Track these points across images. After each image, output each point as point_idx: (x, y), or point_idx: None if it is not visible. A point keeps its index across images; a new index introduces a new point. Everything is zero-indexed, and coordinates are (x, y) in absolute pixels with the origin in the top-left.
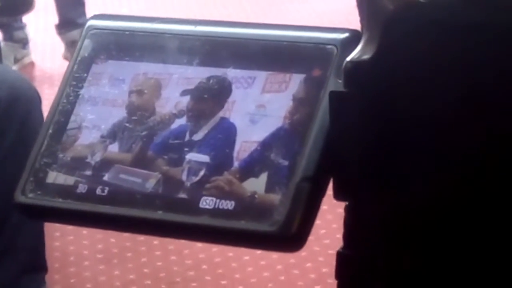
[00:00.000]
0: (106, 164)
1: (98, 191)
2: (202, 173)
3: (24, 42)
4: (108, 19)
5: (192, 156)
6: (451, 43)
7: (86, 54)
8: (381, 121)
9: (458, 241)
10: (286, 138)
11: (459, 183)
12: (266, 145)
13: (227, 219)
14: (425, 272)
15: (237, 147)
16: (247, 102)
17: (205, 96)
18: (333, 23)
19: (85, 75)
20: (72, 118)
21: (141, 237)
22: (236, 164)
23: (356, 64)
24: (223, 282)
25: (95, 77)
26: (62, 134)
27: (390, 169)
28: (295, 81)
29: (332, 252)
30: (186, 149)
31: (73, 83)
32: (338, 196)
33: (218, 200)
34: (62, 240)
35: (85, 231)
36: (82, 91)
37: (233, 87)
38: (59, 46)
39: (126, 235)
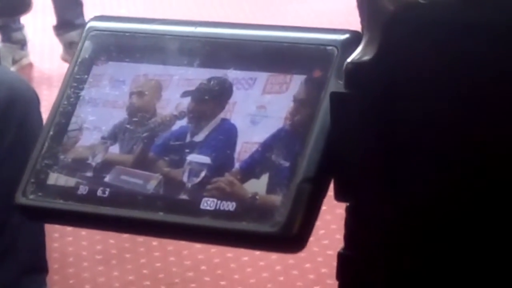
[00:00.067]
0: (107, 165)
1: (99, 192)
2: (203, 174)
3: (22, 43)
4: (108, 20)
5: (193, 157)
6: (452, 43)
7: (86, 56)
8: (382, 122)
9: (460, 242)
10: (287, 139)
11: (460, 184)
12: (267, 146)
13: (228, 220)
14: (426, 273)
15: (238, 148)
16: (248, 103)
17: (206, 97)
18: (332, 24)
19: (86, 76)
20: (73, 119)
21: (140, 238)
22: (237, 165)
23: (357, 65)
24: (222, 283)
25: (96, 79)
26: (63, 136)
27: (391, 170)
28: (295, 82)
29: (331, 252)
30: (187, 150)
31: (74, 84)
32: (339, 197)
33: (219, 201)
34: (61, 241)
35: (84, 232)
36: (82, 93)
37: (234, 88)
38: (57, 47)
39: (125, 236)
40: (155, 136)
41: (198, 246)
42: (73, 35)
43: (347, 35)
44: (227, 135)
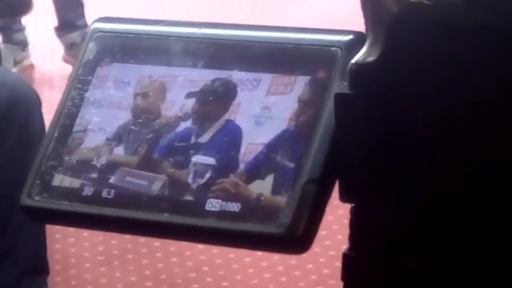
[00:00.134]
0: (112, 166)
1: (104, 193)
2: (208, 175)
3: (23, 45)
4: (112, 22)
5: (198, 158)
6: (456, 44)
7: (90, 57)
8: (386, 123)
9: (465, 243)
10: (292, 140)
11: (465, 185)
12: (271, 147)
13: (233, 221)
14: (431, 273)
15: (242, 149)
16: (253, 104)
17: (210, 98)
18: (332, 25)
19: (90, 78)
20: (78, 121)
21: (142, 239)
22: (242, 166)
23: (361, 66)
24: (224, 283)
25: (100, 80)
26: (68, 137)
27: (396, 171)
28: (300, 83)
29: (333, 253)
30: (191, 151)
31: (78, 86)
32: (344, 197)
33: (224, 202)
34: (63, 242)
35: (85, 233)
36: (87, 94)
37: (238, 89)
38: (59, 48)
39: (127, 237)
40: (159, 137)
41: (200, 247)
42: (74, 36)
43: (351, 36)
44: (231, 136)
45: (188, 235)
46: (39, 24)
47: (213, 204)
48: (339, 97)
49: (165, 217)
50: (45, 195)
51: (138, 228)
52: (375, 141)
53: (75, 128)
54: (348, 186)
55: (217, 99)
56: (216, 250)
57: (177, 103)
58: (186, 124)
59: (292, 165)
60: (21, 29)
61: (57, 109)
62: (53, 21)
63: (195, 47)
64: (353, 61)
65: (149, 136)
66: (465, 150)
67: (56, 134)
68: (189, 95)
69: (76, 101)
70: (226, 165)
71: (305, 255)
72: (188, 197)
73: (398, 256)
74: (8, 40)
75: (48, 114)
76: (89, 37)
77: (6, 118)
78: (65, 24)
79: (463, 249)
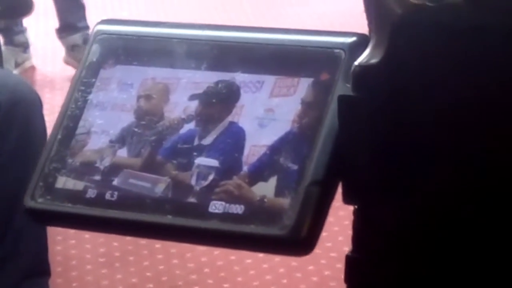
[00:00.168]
0: (115, 169)
1: (108, 196)
2: (211, 177)
3: (24, 46)
4: (116, 24)
5: (201, 160)
6: (459, 46)
7: (94, 59)
8: (389, 125)
9: (469, 244)
10: (295, 142)
11: (469, 186)
12: (275, 149)
13: (236, 223)
14: (434, 275)
15: (246, 151)
16: (256, 106)
17: (214, 100)
18: (333, 26)
19: (93, 80)
20: (81, 123)
21: (143, 241)
22: (245, 168)
23: (365, 68)
24: (225, 285)
25: (104, 82)
26: (71, 139)
27: (399, 173)
28: (303, 85)
29: (335, 255)
30: (195, 153)
31: (82, 88)
32: (347, 199)
33: (227, 205)
34: (64, 244)
35: (87, 235)
36: (90, 96)
37: (242, 91)
38: (60, 50)
39: (128, 238)
40: (163, 139)
41: (201, 248)
42: (75, 38)
43: (354, 38)
44: (235, 138)
45: (192, 237)
46: (41, 26)
47: (216, 206)
48: (342, 99)
49: (168, 219)
50: (48, 197)
51: (141, 230)
52: (379, 142)
53: (79, 131)
54: (351, 188)
55: (220, 101)
56: (217, 252)
57: (181, 105)
58: (190, 126)
59: (295, 167)
60: (22, 31)
61: (61, 111)
62: (55, 23)
63: (198, 49)
64: (356, 63)
65: (153, 138)
66: (469, 153)
67: (59, 136)
68: (192, 97)
69: (79, 103)
70: (230, 167)
71: (306, 256)
72: (192, 199)
73: (401, 258)
74: (9, 42)
75: (49, 116)
76: (92, 39)
77: (7, 120)
78: (67, 26)
79: (465, 251)
